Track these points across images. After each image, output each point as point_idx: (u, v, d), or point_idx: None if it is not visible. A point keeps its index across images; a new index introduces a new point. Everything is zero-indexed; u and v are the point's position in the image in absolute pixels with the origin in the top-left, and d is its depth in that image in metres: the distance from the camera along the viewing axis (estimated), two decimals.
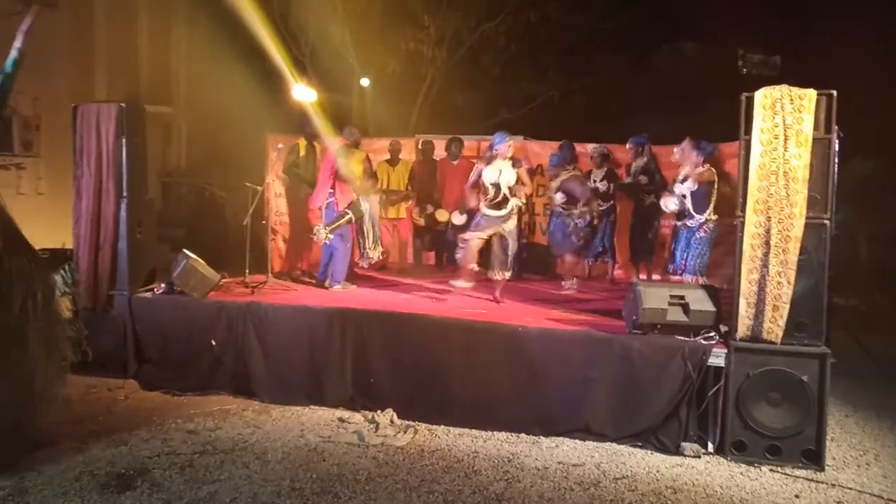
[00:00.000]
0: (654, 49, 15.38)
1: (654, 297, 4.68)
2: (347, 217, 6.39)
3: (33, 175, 8.82)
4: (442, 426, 4.77)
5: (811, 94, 4.27)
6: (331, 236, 6.31)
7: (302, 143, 7.30)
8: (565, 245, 6.94)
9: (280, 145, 6.98)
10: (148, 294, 5.75)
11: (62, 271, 5.24)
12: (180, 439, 4.45)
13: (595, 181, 7.35)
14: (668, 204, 6.05)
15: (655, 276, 7.29)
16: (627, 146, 7.23)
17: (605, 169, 7.37)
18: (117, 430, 4.57)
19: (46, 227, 7.98)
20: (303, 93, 11.22)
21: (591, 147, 7.55)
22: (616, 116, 13.14)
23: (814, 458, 4.24)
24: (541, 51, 14.38)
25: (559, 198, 6.81)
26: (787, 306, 4.29)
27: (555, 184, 6.91)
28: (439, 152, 8.07)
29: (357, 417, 4.87)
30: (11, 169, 8.57)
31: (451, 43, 13.83)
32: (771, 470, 4.20)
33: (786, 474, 4.15)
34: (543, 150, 7.91)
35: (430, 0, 13.13)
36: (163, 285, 5.79)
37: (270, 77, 11.42)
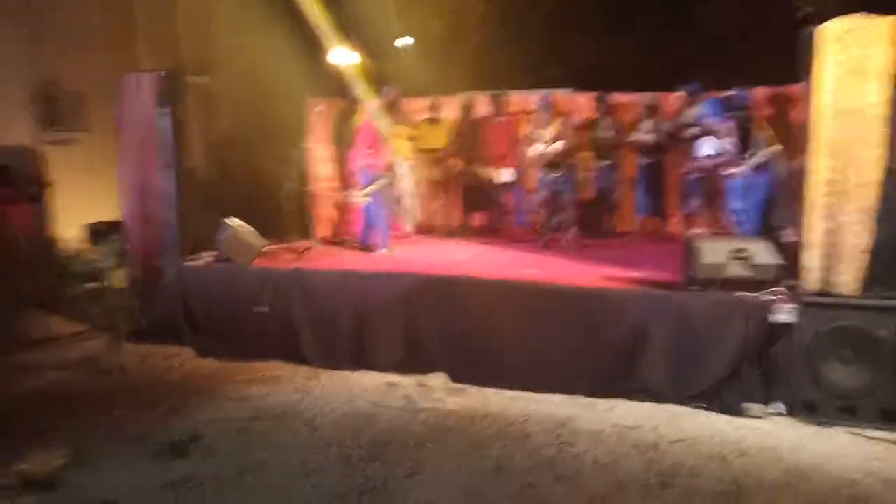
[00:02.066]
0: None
1: (713, 251, 4.41)
2: (383, 181, 6.25)
3: (86, 149, 8.95)
4: (494, 389, 4.66)
5: (890, 21, 3.86)
6: (368, 199, 6.19)
7: (347, 107, 7.19)
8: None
9: (319, 108, 6.87)
10: (197, 263, 5.78)
11: (108, 243, 5.31)
12: (233, 406, 4.48)
13: (641, 131, 7.01)
14: (703, 147, 5.86)
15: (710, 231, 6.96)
16: (679, 93, 6.83)
17: (653, 121, 7.01)
18: (171, 397, 4.63)
19: (104, 200, 8.14)
20: (344, 55, 11.05)
21: (638, 98, 7.21)
22: (662, 70, 12.54)
23: (893, 418, 3.96)
24: (586, 7, 13.82)
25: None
26: (865, 257, 3.97)
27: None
28: (483, 109, 7.81)
29: (407, 381, 4.80)
30: (64, 144, 8.72)
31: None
32: (845, 432, 3.94)
33: (862, 436, 3.89)
34: (591, 104, 7.57)
35: None
36: (210, 254, 5.81)
37: (311, 40, 11.28)
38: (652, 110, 7.03)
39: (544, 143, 6.47)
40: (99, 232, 7.37)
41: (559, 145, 6.46)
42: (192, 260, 5.79)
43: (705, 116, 5.80)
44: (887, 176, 3.92)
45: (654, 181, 7.09)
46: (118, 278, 5.76)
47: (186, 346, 5.59)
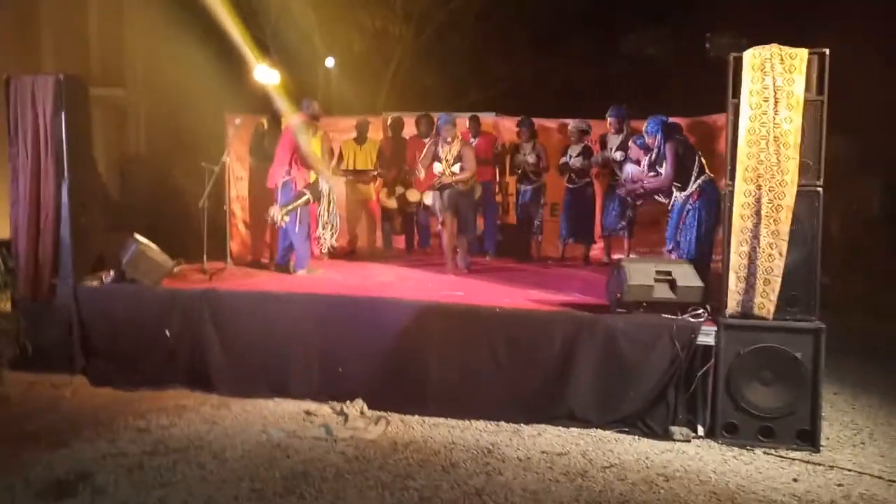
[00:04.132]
0: (626, 31, 15.24)
1: (640, 273, 4.41)
2: (305, 198, 5.98)
3: None
4: (416, 416, 4.45)
5: (802, 53, 4.02)
6: (286, 218, 5.90)
7: (266, 120, 6.92)
8: None
9: (237, 121, 6.55)
10: (95, 282, 5.30)
11: None
12: (129, 439, 4.06)
13: (571, 156, 7.10)
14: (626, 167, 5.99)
15: (633, 256, 7.07)
16: (608, 119, 6.94)
17: (583, 145, 7.12)
18: (59, 430, 4.16)
19: None
20: (265, 74, 10.75)
21: (570, 123, 7.31)
22: (587, 96, 12.93)
23: (808, 438, 4.02)
24: (511, 30, 14.09)
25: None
26: (779, 280, 4.06)
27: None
28: (409, 130, 7.70)
29: (324, 410, 4.52)
30: None
31: (419, 21, 13.45)
32: (765, 453, 3.97)
33: (781, 457, 3.93)
34: (514, 127, 7.60)
35: None
36: (111, 273, 5.34)
37: (232, 58, 10.92)
38: (583, 134, 7.13)
39: (446, 161, 6.24)
40: None
41: (459, 172, 6.18)
42: (90, 279, 5.31)
43: (649, 134, 5.75)
44: (798, 200, 4.04)
45: (580, 206, 7.16)
46: (2, 298, 5.22)
47: (79, 373, 5.09)
